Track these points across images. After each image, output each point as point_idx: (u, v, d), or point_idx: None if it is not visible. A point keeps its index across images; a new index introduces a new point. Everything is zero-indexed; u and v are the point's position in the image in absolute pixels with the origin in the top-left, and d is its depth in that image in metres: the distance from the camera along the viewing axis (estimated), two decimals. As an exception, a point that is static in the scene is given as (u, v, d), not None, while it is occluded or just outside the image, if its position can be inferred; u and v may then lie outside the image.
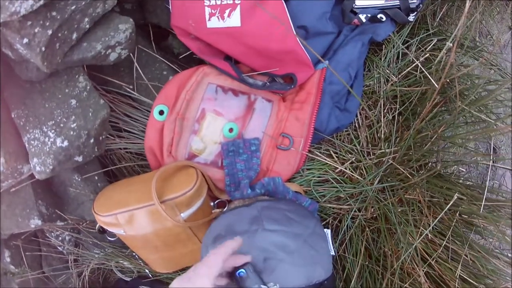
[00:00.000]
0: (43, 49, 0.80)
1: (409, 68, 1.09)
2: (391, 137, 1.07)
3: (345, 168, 1.07)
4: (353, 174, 1.06)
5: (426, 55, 1.10)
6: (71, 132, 0.91)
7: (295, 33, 0.97)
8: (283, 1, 0.95)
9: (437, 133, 0.95)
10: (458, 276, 0.97)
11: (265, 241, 0.83)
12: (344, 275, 1.10)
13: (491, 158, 1.14)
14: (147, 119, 1.05)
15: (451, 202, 0.90)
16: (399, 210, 1.04)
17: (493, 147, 1.56)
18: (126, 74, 1.08)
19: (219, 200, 1.04)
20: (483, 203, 0.96)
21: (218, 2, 0.95)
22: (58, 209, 1.06)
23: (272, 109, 1.07)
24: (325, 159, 1.08)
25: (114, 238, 1.06)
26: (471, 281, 0.99)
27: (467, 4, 0.76)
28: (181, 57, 1.12)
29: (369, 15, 1.08)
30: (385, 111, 1.10)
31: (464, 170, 1.48)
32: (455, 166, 1.26)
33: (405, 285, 1.00)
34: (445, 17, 1.26)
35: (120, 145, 1.10)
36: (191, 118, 1.04)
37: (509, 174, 1.58)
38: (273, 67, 1.03)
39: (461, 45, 1.17)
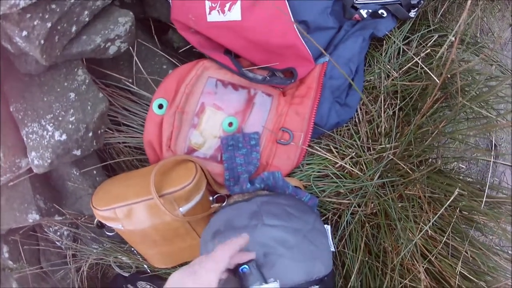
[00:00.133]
0: (42, 42, 0.80)
1: (410, 64, 1.08)
2: (392, 132, 1.07)
3: (345, 163, 1.06)
4: (353, 169, 1.06)
5: (427, 51, 1.10)
6: (70, 126, 0.90)
7: (296, 27, 0.96)
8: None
9: (438, 128, 0.95)
10: (458, 273, 0.97)
11: (265, 236, 0.83)
12: (344, 271, 1.10)
13: (492, 154, 1.13)
14: (146, 113, 1.05)
15: (452, 198, 0.89)
16: (399, 205, 1.03)
17: (494, 144, 1.55)
18: (125, 67, 1.08)
19: (218, 194, 1.04)
20: (484, 200, 0.95)
21: (219, -4, 0.95)
22: (56, 204, 1.05)
23: (272, 103, 1.06)
24: (325, 154, 1.07)
25: (113, 233, 1.05)
26: (472, 277, 0.99)
27: (469, 1, 0.76)
28: (181, 51, 1.12)
29: (370, 11, 1.07)
30: (385, 106, 1.09)
31: (464, 167, 1.47)
32: (455, 163, 1.25)
33: (405, 281, 0.99)
34: (446, 13, 1.25)
35: (119, 139, 1.10)
36: (191, 112, 1.04)
37: (509, 171, 1.57)
38: (273, 62, 1.02)
39: (462, 41, 1.16)
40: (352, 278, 1.03)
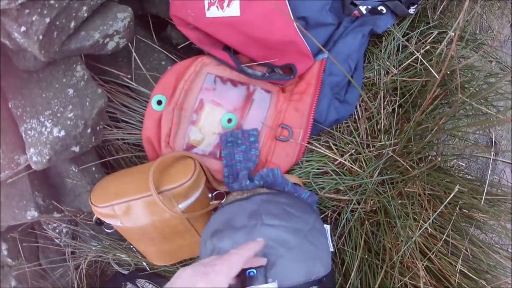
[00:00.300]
0: (41, 37, 0.79)
1: (409, 60, 1.08)
2: (391, 129, 1.07)
3: (345, 160, 1.06)
4: (352, 166, 1.06)
5: (427, 47, 1.09)
6: (68, 122, 0.90)
7: (295, 23, 0.96)
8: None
9: (438, 125, 0.95)
10: (458, 271, 0.97)
11: (265, 237, 0.81)
12: (343, 268, 1.09)
13: (492, 150, 1.13)
14: (145, 110, 1.04)
15: (452, 194, 0.89)
16: (399, 202, 1.03)
17: (494, 142, 1.55)
18: (124, 64, 1.08)
19: (217, 191, 1.03)
20: (483, 197, 0.95)
21: (217, -9, 0.95)
22: (55, 201, 1.05)
23: (271, 100, 1.06)
24: (325, 151, 1.07)
25: (112, 230, 1.05)
26: (472, 275, 0.98)
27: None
28: (179, 47, 1.11)
29: (369, 7, 1.07)
30: (385, 103, 1.09)
31: (464, 164, 1.47)
32: (455, 160, 1.25)
33: (405, 279, 0.99)
34: (446, 10, 1.25)
35: (117, 136, 1.10)
36: (190, 108, 1.03)
37: (509, 169, 1.57)
38: (272, 58, 1.02)
39: (461, 38, 1.16)
40: (352, 275, 1.03)
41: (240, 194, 0.99)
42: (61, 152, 0.91)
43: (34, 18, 0.77)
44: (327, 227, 0.96)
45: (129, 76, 1.06)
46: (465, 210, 1.06)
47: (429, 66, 0.97)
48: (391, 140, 1.05)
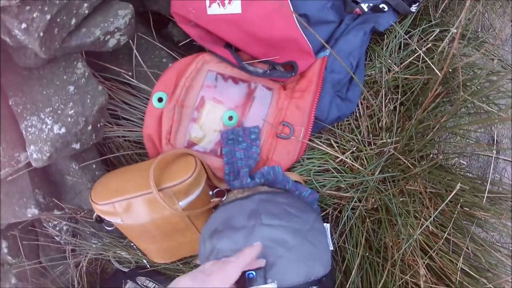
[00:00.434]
0: (41, 34, 0.79)
1: (411, 58, 1.08)
2: (393, 127, 1.07)
3: (346, 158, 1.06)
4: (353, 164, 1.05)
5: (428, 45, 1.09)
6: (69, 119, 0.90)
7: (296, 20, 0.96)
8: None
9: (440, 122, 0.94)
10: (459, 269, 0.97)
11: (264, 237, 0.81)
12: (344, 266, 1.09)
13: (494, 148, 1.13)
14: (146, 107, 1.04)
15: (454, 192, 0.89)
16: (400, 200, 1.03)
17: (496, 140, 1.55)
18: (125, 61, 1.07)
19: (218, 189, 1.03)
20: (485, 195, 0.95)
21: (219, -11, 0.95)
22: (55, 198, 1.05)
23: (273, 97, 1.06)
24: (326, 149, 1.07)
25: (112, 228, 1.05)
26: (473, 274, 0.98)
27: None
28: (180, 44, 1.11)
29: (371, 5, 1.07)
30: (386, 101, 1.09)
31: (465, 163, 1.47)
32: (456, 159, 1.25)
33: (406, 277, 0.99)
34: (447, 9, 1.25)
35: (118, 133, 1.09)
36: (190, 105, 1.03)
37: (510, 167, 1.57)
38: (273, 55, 1.02)
39: (463, 36, 1.16)
40: (353, 273, 1.03)
41: (241, 192, 0.98)
42: (61, 149, 0.91)
43: (34, 15, 0.77)
44: (327, 225, 0.96)
45: (130, 73, 1.06)
46: (466, 208, 1.05)
47: (431, 64, 0.96)
48: (392, 138, 1.05)
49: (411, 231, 1.00)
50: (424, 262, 0.98)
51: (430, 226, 0.99)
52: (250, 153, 1.02)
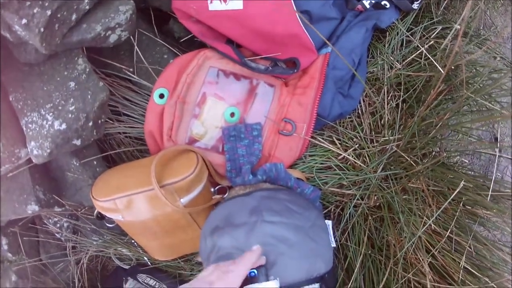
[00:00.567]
0: (42, 30, 0.78)
1: (414, 55, 1.08)
2: (395, 124, 1.06)
3: (348, 155, 1.05)
4: (356, 161, 1.05)
5: (431, 42, 1.09)
6: (70, 115, 0.89)
7: (298, 16, 0.95)
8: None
9: (442, 120, 0.94)
10: (462, 267, 0.96)
11: (265, 234, 0.81)
12: (346, 264, 1.09)
13: (498, 146, 1.13)
14: (147, 103, 1.04)
15: (458, 190, 0.89)
16: (402, 198, 1.02)
17: (498, 139, 1.55)
18: (126, 57, 1.07)
19: (220, 186, 1.02)
20: (490, 193, 0.95)
21: (220, -16, 0.94)
22: (56, 195, 1.04)
23: (275, 94, 1.05)
24: (328, 146, 1.06)
25: (113, 225, 1.04)
26: (475, 272, 0.98)
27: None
28: (182, 41, 1.11)
29: (373, 1, 1.06)
30: (388, 98, 1.09)
31: (467, 161, 1.46)
32: (458, 157, 1.25)
33: (408, 275, 0.98)
34: (449, 6, 1.24)
35: (119, 129, 1.09)
36: (192, 102, 1.02)
37: (511, 165, 1.56)
38: (275, 51, 1.01)
39: (465, 33, 1.15)
40: (355, 271, 1.02)
41: (243, 189, 0.98)
42: (62, 146, 0.90)
43: (35, 10, 0.77)
44: (329, 222, 0.95)
45: (131, 70, 1.05)
46: (468, 207, 1.05)
47: (434, 61, 0.96)
48: (395, 135, 1.04)
49: (414, 229, 1.00)
50: (426, 261, 0.97)
51: (432, 225, 0.98)
52: (252, 150, 1.01)
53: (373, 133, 1.09)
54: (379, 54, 1.12)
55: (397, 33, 1.11)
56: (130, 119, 1.09)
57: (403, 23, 1.11)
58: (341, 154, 1.06)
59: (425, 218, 0.98)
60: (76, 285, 1.25)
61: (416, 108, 1.05)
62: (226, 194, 1.01)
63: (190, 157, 0.94)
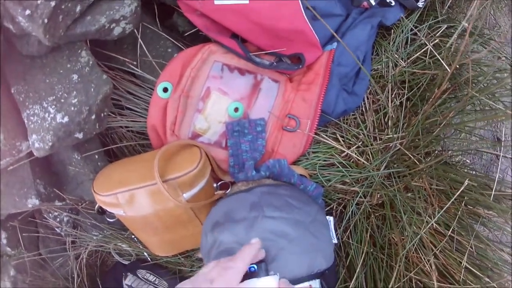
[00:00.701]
0: (46, 21, 0.78)
1: (418, 53, 1.07)
2: (399, 122, 1.06)
3: (351, 152, 1.05)
4: (359, 158, 1.05)
5: (436, 41, 1.09)
6: (72, 108, 0.89)
7: (303, 12, 0.95)
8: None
9: (446, 119, 0.94)
10: (464, 267, 0.96)
11: (266, 229, 0.81)
12: (348, 262, 1.08)
13: (502, 146, 1.12)
14: (150, 97, 1.03)
15: (462, 189, 0.89)
16: (405, 196, 1.02)
17: (499, 138, 1.55)
18: (129, 50, 1.06)
19: (222, 181, 1.02)
20: (493, 193, 0.95)
21: (226, -22, 0.93)
22: (56, 189, 1.04)
23: (279, 89, 1.05)
24: (332, 143, 1.06)
25: (113, 219, 1.03)
26: (476, 272, 0.98)
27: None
28: (186, 34, 1.10)
29: (378, -1, 1.06)
30: (392, 96, 1.08)
31: (469, 160, 1.46)
32: (460, 156, 1.24)
33: (410, 274, 0.98)
34: (454, 5, 1.24)
35: (121, 123, 1.08)
36: (196, 96, 1.02)
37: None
38: (280, 47, 1.01)
39: (471, 33, 1.15)
40: (357, 270, 1.02)
41: (245, 185, 0.97)
42: (64, 139, 0.89)
43: (39, 1, 0.76)
44: (331, 218, 0.95)
45: (134, 63, 1.04)
46: (470, 207, 1.05)
47: (440, 59, 0.95)
48: (398, 133, 1.04)
49: (416, 228, 0.99)
50: (428, 260, 0.97)
51: (434, 224, 0.98)
52: (256, 145, 1.00)
53: (377, 130, 1.08)
54: (384, 51, 1.12)
55: (402, 30, 1.10)
56: (133, 113, 1.08)
57: (408, 21, 1.11)
58: (344, 151, 1.06)
59: (427, 217, 0.98)
60: (75, 280, 1.24)
61: (420, 106, 1.04)
62: (229, 190, 1.00)
63: (193, 151, 0.94)
